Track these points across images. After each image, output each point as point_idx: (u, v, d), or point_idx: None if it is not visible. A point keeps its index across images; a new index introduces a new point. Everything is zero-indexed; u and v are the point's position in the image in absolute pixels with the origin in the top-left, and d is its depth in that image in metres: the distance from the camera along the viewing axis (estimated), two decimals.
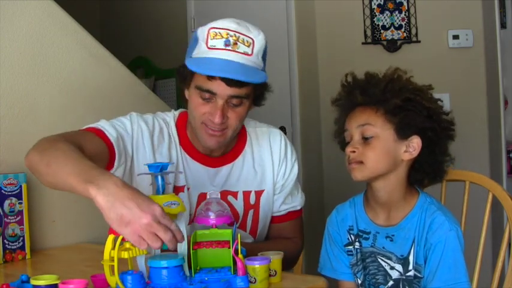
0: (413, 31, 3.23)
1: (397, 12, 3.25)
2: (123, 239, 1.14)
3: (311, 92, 3.31)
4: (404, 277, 1.43)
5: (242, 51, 1.43)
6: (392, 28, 3.25)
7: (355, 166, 1.40)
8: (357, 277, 1.49)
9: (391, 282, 1.44)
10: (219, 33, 1.43)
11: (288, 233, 1.71)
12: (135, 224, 1.09)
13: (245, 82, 1.43)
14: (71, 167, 1.21)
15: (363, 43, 3.27)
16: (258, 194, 1.65)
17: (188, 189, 1.57)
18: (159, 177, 1.22)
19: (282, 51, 3.30)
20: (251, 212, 1.64)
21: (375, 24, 3.27)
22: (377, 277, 1.46)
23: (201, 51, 1.46)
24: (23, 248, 1.75)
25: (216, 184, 1.60)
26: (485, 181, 1.58)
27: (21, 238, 1.75)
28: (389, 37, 3.25)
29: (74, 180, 1.18)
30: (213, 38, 1.44)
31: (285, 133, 3.30)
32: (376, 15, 3.27)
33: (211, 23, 1.46)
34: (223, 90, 1.44)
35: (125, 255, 1.14)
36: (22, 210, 1.75)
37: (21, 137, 1.90)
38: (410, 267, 1.42)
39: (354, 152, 1.40)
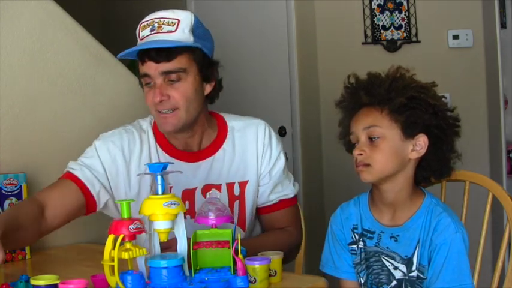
0: (413, 31, 3.23)
1: (397, 12, 3.25)
2: (123, 239, 1.14)
3: (311, 92, 3.31)
4: (407, 277, 1.42)
5: (166, 31, 1.52)
6: (392, 28, 3.25)
7: (363, 169, 1.39)
8: (360, 276, 1.49)
9: (394, 282, 1.44)
10: (147, 23, 1.55)
11: (282, 222, 1.70)
12: None
13: (173, 56, 1.49)
14: None
15: (363, 43, 3.27)
16: (242, 185, 1.65)
17: (170, 187, 1.59)
18: (159, 177, 1.22)
19: (282, 52, 3.28)
20: (236, 203, 1.64)
21: (375, 24, 3.27)
22: (380, 277, 1.46)
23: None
24: (23, 248, 1.74)
25: (199, 178, 1.62)
26: (486, 181, 1.58)
27: None
28: (389, 37, 3.25)
29: None
30: (142, 30, 1.55)
31: (285, 133, 3.31)
32: (376, 15, 3.27)
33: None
34: (154, 68, 1.51)
35: (125, 255, 1.13)
36: None
37: (21, 137, 1.90)
38: (414, 267, 1.41)
39: (361, 154, 1.40)
